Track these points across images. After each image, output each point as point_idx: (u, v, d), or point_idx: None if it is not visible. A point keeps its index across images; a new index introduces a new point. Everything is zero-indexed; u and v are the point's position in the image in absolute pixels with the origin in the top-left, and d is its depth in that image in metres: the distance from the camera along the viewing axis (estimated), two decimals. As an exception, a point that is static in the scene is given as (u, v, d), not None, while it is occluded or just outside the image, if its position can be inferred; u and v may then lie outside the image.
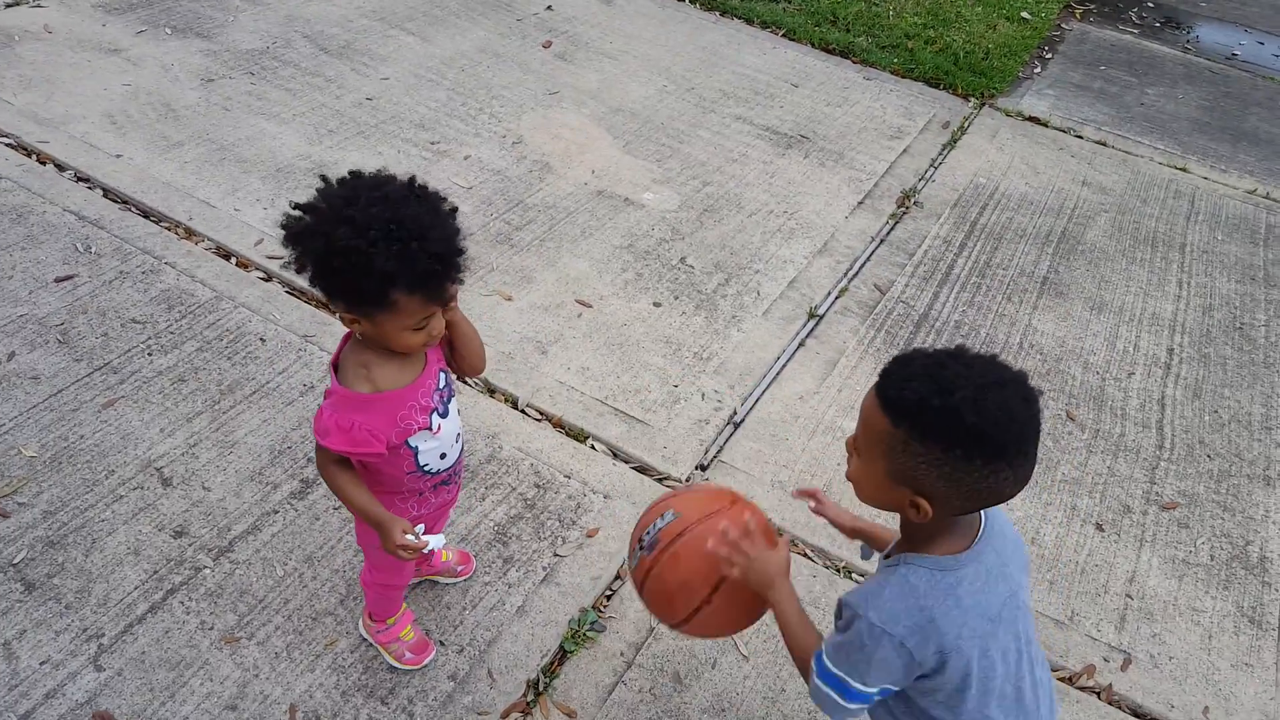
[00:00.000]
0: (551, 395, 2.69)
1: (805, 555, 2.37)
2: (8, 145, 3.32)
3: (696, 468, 2.55)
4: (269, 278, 2.95)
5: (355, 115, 3.78)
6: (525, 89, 4.17)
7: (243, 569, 2.14)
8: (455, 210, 1.42)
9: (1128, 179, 4.24)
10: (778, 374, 2.90)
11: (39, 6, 4.14)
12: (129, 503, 2.24)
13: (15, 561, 2.08)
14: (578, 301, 3.05)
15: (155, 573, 2.10)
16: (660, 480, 2.50)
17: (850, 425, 2.76)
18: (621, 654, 2.09)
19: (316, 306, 2.87)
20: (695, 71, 4.57)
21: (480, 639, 2.07)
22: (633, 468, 2.53)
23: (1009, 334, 3.21)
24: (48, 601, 2.02)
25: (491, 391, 2.69)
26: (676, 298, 3.14)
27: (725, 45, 4.87)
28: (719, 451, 2.62)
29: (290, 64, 4.05)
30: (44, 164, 3.26)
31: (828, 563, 2.37)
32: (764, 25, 5.17)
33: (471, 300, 2.97)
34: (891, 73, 4.88)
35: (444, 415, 1.60)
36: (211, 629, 2.01)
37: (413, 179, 1.40)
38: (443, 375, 1.62)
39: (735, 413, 2.74)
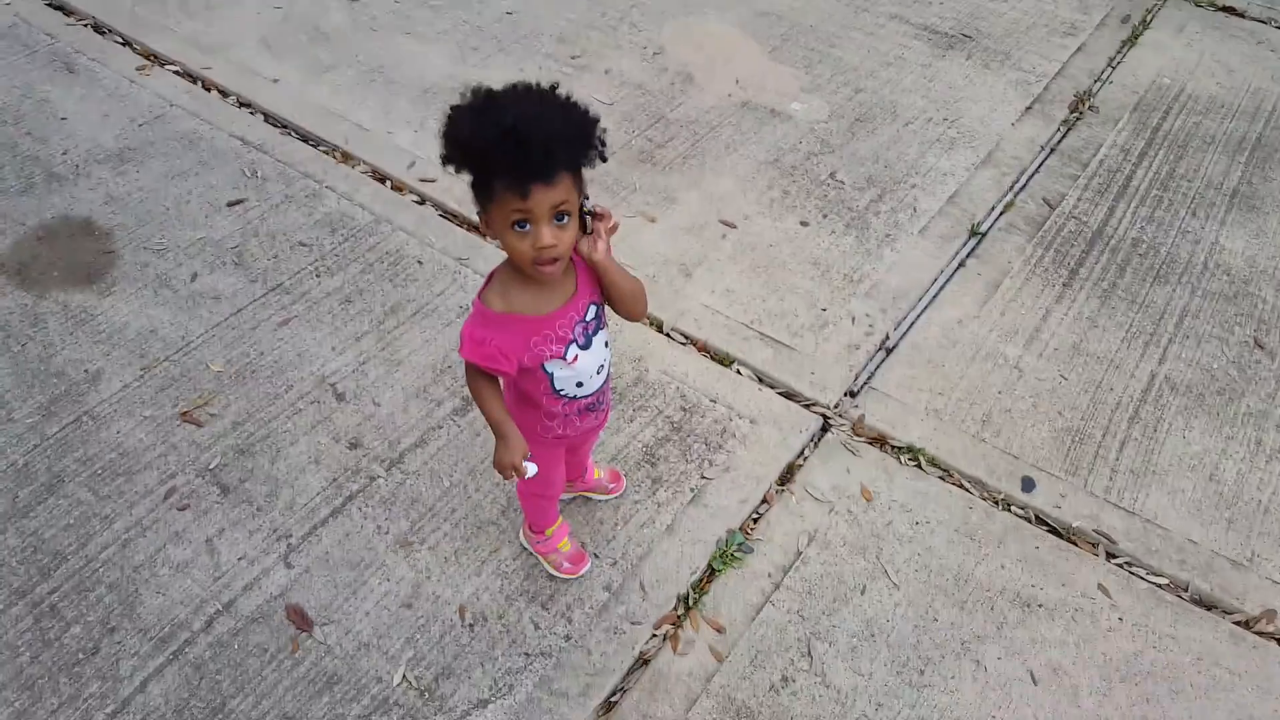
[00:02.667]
0: (696, 319, 2.74)
1: (961, 486, 2.36)
2: (175, 73, 3.56)
3: (846, 394, 2.56)
4: (423, 201, 3.09)
5: (497, 31, 3.83)
6: (665, -5, 4.10)
7: (412, 479, 2.33)
8: (587, 116, 1.40)
9: (1348, 73, 3.80)
10: (935, 296, 2.83)
11: (195, -68, 4.35)
12: (307, 415, 2.45)
13: (211, 466, 2.33)
14: (722, 222, 3.05)
15: (334, 480, 2.32)
16: (807, 406, 2.52)
17: (1013, 350, 2.68)
18: (769, 575, 2.17)
19: (469, 230, 2.99)
20: (845, -33, 4.34)
21: (632, 554, 2.19)
22: (779, 393, 2.56)
23: (1193, 252, 3.00)
24: (241, 504, 2.27)
25: (637, 313, 2.75)
26: (825, 216, 3.09)
27: (878, -64, 4.59)
28: (869, 378, 2.60)
29: (431, -20, 4.12)
30: (208, 90, 3.49)
31: (984, 494, 2.35)
32: (922, -89, 4.82)
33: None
34: (1068, -42, 4.48)
35: (584, 347, 1.63)
36: (387, 534, 2.22)
37: (554, 85, 1.41)
38: (593, 308, 1.63)
39: (888, 337, 2.70)
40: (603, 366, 1.72)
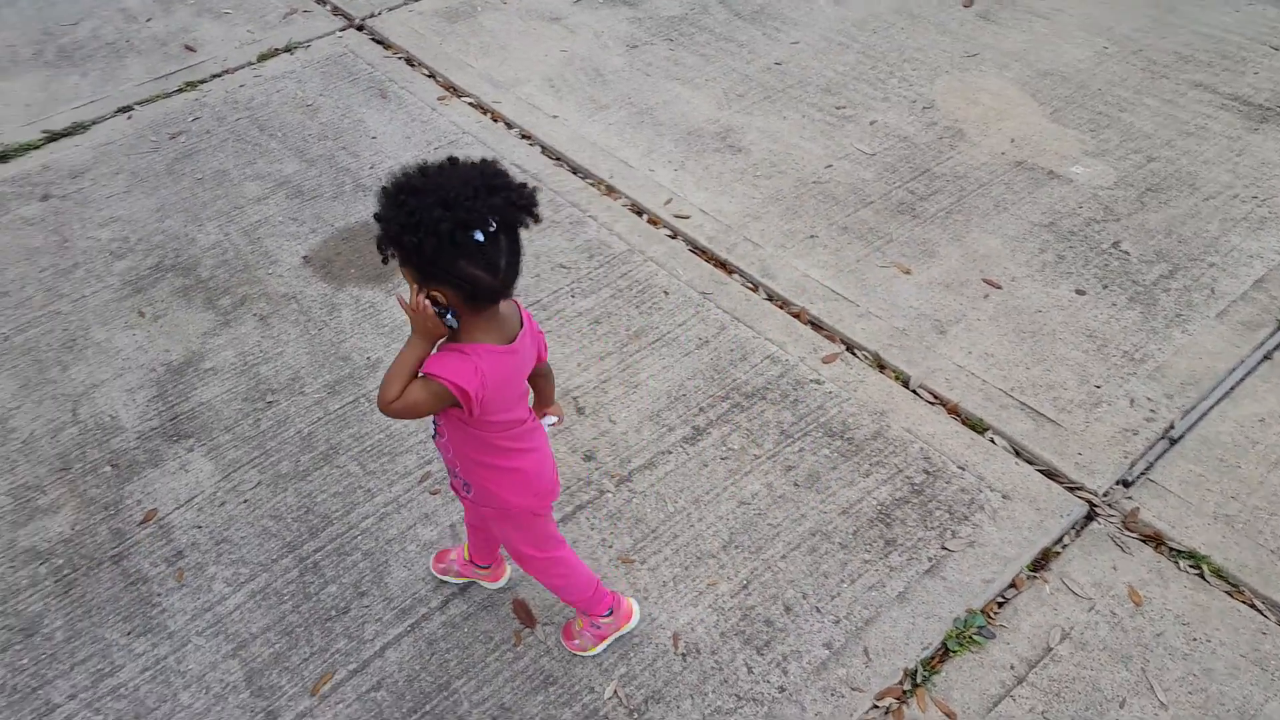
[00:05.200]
0: (948, 379, 2.59)
1: (1253, 606, 2.05)
2: (469, 104, 3.91)
3: (1118, 482, 2.31)
4: (675, 235, 3.17)
5: (763, 80, 3.90)
6: (941, 51, 4.00)
7: (639, 499, 2.35)
8: (416, 234, 1.35)
9: None
10: (1232, 388, 2.51)
11: (500, -18, 4.81)
12: (550, 425, 2.56)
13: (461, 460, 2.48)
14: (985, 281, 2.89)
15: (567, 488, 2.39)
16: (1071, 489, 2.30)
17: (1327, 461, 2.31)
18: (1011, 667, 1.97)
19: (715, 266, 3.03)
20: (1144, 31, 4.05)
21: (857, 615, 2.08)
22: (1038, 470, 2.35)
23: None
24: (483, 499, 2.39)
25: (881, 367, 2.66)
26: (1105, 287, 2.84)
27: (1183, 1, 4.25)
28: (1148, 468, 2.34)
29: (706, 29, 4.28)
30: (496, 121, 3.80)
31: (1281, 619, 2.03)
32: (1241, -25, 4.42)
33: (867, 271, 2.95)
34: None
35: None
36: (610, 547, 2.25)
37: (471, 166, 1.40)
38: None
39: (1172, 426, 2.42)
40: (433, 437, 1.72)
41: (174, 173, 3.57)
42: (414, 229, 1.36)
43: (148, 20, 4.59)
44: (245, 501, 2.38)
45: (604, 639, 2.03)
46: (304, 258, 3.14)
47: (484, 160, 1.42)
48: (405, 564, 2.22)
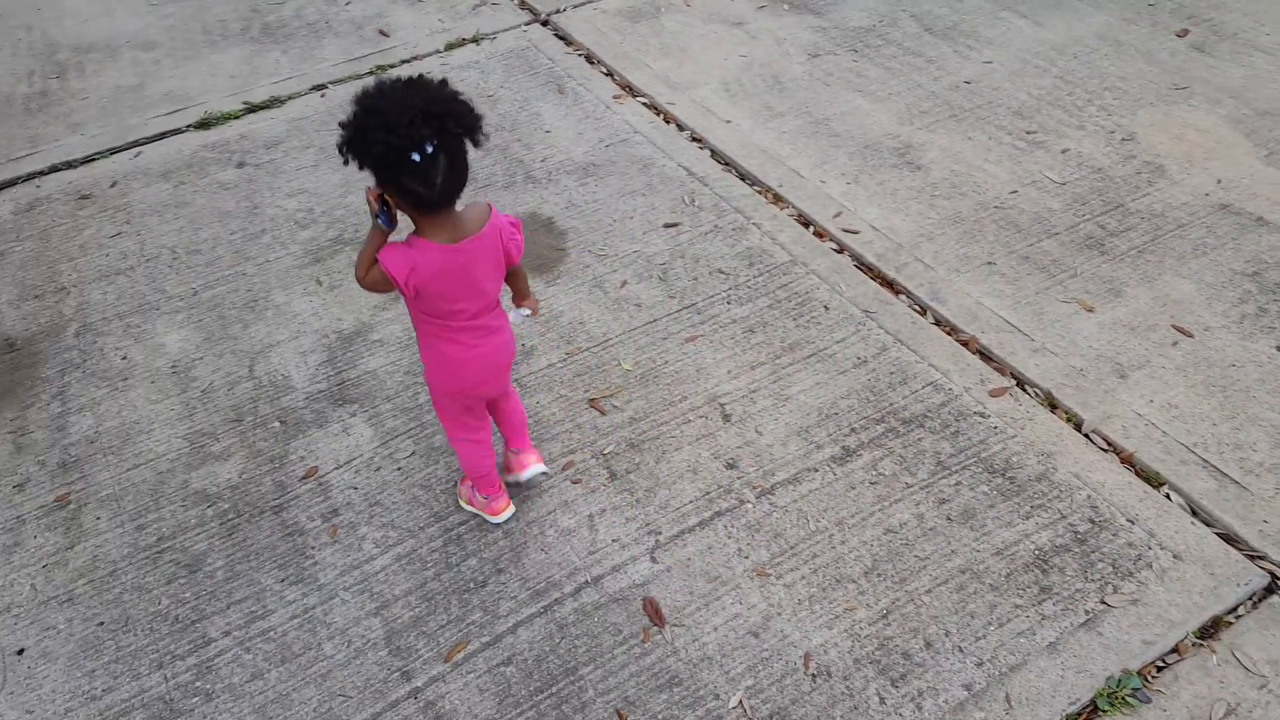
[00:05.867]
0: (1125, 426, 2.50)
1: None
2: (643, 104, 4.05)
3: (1310, 557, 2.18)
4: (841, 250, 3.19)
5: (950, 98, 3.86)
6: (1146, 81, 3.84)
7: (779, 513, 2.39)
8: (349, 134, 1.62)
9: None
10: None
11: (682, -16, 4.95)
12: (695, 427, 2.63)
13: (605, 451, 2.59)
14: (1175, 327, 2.76)
15: (707, 494, 2.45)
16: (1252, 557, 2.18)
17: None
18: (1168, 737, 1.90)
19: (881, 284, 3.03)
20: (1391, 70, 3.76)
21: (1002, 660, 2.05)
22: (1216, 533, 2.24)
23: None
24: (623, 492, 2.48)
25: (1053, 406, 2.59)
26: (1315, 347, 2.67)
27: None
28: (1347, 546, 2.19)
29: (893, 43, 4.27)
30: (668, 123, 3.92)
31: None
32: None
33: (1046, 305, 2.87)
34: None
35: None
36: (746, 558, 2.30)
37: (422, 88, 1.63)
38: None
39: (1382, 505, 2.26)
40: None
41: (359, 151, 3.87)
42: (358, 144, 1.63)
43: (347, 4, 4.98)
44: (399, 469, 2.57)
45: (472, 506, 2.42)
46: (472, 241, 3.34)
47: (440, 82, 1.66)
48: (543, 547, 2.34)
